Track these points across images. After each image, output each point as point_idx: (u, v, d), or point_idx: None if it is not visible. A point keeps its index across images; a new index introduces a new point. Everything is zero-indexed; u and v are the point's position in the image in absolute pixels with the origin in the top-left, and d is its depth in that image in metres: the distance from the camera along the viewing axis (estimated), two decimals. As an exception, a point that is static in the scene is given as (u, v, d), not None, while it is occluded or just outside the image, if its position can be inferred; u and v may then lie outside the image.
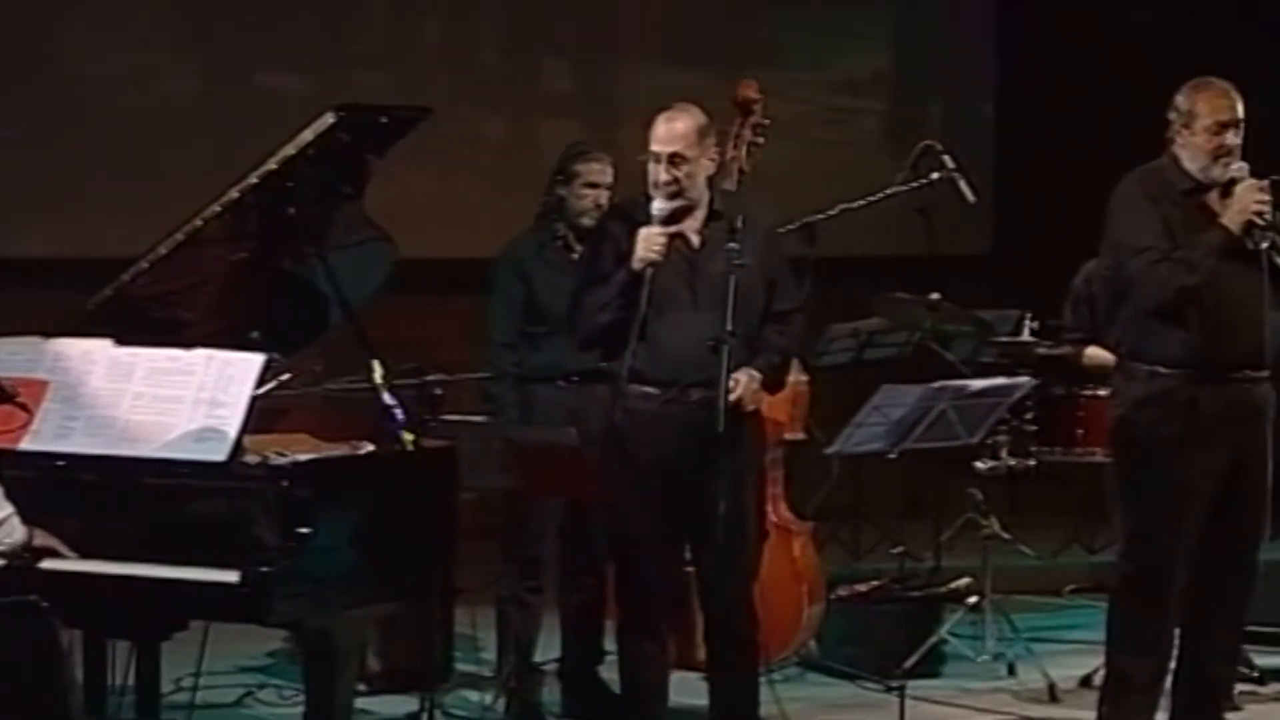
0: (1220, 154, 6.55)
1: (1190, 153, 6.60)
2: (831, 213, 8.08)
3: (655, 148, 6.40)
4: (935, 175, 8.22)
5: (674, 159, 6.37)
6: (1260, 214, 6.49)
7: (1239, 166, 6.57)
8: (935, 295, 8.32)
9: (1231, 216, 6.52)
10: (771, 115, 7.47)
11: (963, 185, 8.20)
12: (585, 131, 10.12)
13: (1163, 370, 6.57)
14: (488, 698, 7.35)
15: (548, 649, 7.45)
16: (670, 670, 6.65)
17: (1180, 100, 6.64)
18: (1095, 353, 7.54)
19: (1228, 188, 6.57)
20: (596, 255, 6.51)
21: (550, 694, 7.40)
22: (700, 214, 6.46)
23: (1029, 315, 8.36)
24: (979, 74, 11.61)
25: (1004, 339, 8.44)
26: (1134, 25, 11.10)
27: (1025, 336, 8.36)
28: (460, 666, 7.60)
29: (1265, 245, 6.52)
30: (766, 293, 6.45)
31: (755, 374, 6.37)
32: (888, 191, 8.22)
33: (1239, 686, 7.55)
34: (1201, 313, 6.53)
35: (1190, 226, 6.56)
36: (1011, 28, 11.53)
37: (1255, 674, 7.78)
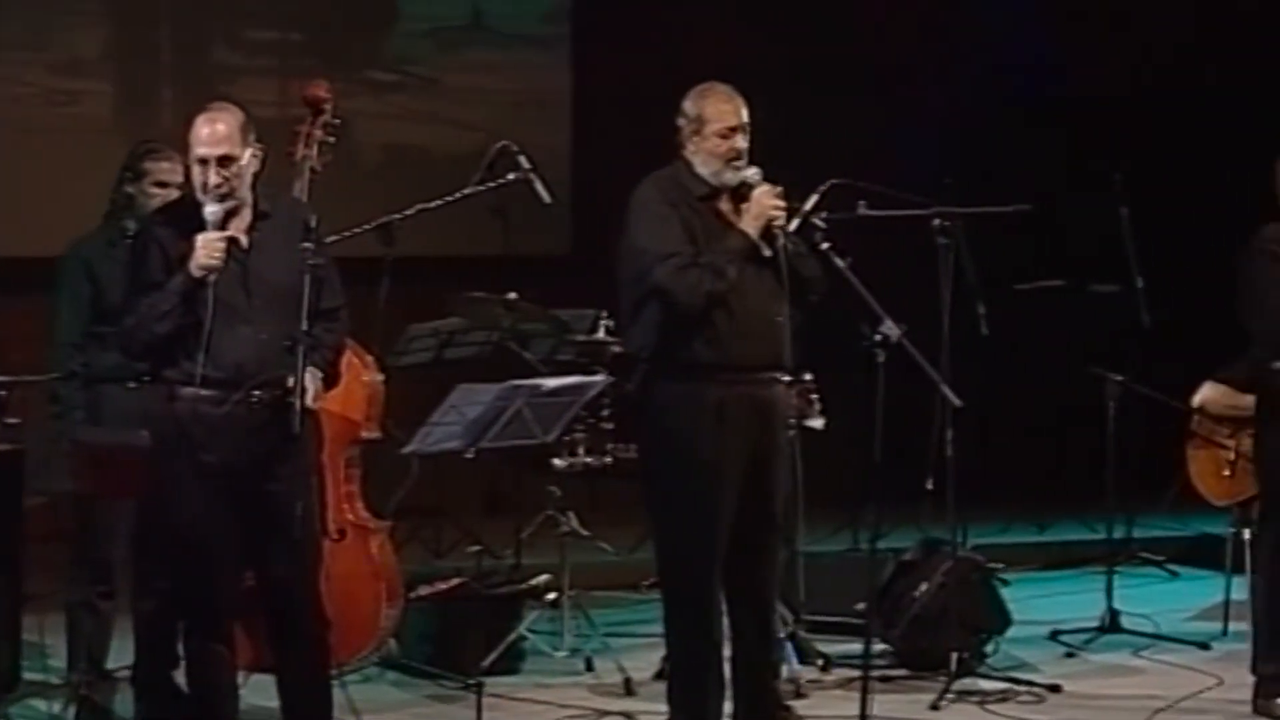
0: (731, 158, 6.72)
1: (702, 158, 6.75)
2: (408, 213, 8.10)
3: (202, 150, 6.31)
4: (511, 176, 8.28)
5: (223, 160, 6.30)
6: (776, 219, 6.66)
7: (754, 172, 6.74)
8: (513, 295, 8.40)
9: (749, 221, 6.69)
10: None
11: (538, 186, 8.28)
12: None
13: (690, 373, 6.67)
14: (57, 706, 7.22)
15: (120, 654, 7.33)
16: (239, 672, 6.60)
17: (688, 106, 6.78)
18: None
19: (738, 191, 6.74)
20: (144, 263, 6.39)
21: (123, 701, 7.29)
22: (247, 214, 6.40)
23: (605, 314, 8.49)
24: (556, 76, 11.71)
25: (581, 338, 8.56)
26: (706, 27, 11.31)
27: (601, 335, 8.50)
28: (28, 675, 7.44)
29: (826, 246, 6.71)
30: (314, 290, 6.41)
31: (318, 373, 6.35)
32: (464, 192, 8.26)
33: (806, 675, 7.79)
34: (725, 316, 6.66)
35: (710, 231, 6.70)
36: (588, 30, 11.66)
37: (820, 662, 8.01)
